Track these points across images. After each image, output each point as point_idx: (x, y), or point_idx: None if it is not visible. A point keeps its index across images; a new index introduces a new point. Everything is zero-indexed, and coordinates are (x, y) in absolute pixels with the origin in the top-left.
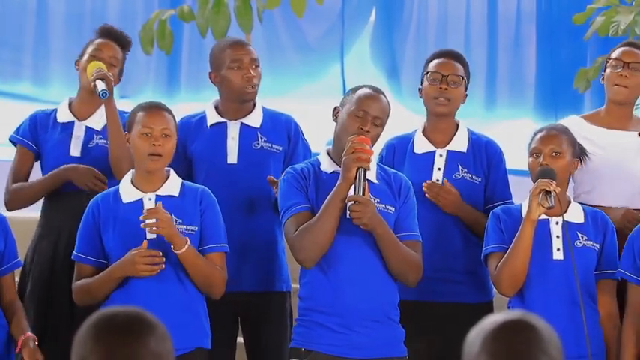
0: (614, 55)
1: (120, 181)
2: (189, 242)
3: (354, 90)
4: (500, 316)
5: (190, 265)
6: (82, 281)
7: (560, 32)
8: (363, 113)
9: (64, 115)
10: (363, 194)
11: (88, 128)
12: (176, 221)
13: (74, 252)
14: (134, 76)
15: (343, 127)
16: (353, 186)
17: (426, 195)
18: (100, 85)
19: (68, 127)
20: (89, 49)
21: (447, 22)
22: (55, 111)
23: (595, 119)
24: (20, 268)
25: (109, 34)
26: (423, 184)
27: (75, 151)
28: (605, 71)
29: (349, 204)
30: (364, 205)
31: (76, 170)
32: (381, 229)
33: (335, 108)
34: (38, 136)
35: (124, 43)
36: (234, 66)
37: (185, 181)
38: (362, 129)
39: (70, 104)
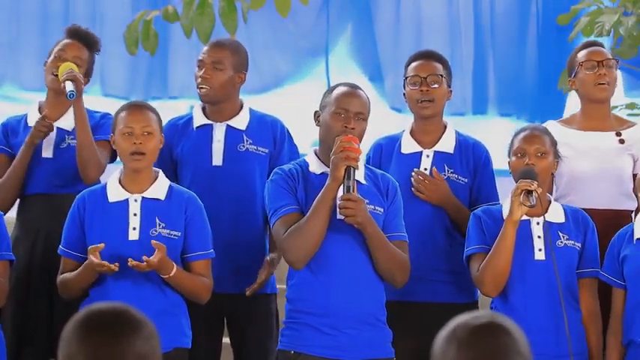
0: (582, 58)
1: (88, 185)
2: (175, 268)
3: (331, 90)
4: (469, 320)
5: (177, 284)
6: (64, 275)
7: (545, 32)
8: (345, 111)
9: (34, 119)
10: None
11: (59, 129)
12: (159, 225)
13: (60, 246)
14: (119, 76)
15: (327, 129)
16: (342, 185)
17: (413, 185)
18: (69, 87)
19: None
20: (55, 50)
21: (431, 21)
22: (25, 116)
23: (571, 123)
24: None
25: (75, 34)
26: (412, 173)
27: (47, 152)
28: (575, 77)
29: (339, 203)
30: (357, 203)
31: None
32: (372, 228)
33: (315, 112)
34: (10, 142)
35: (90, 43)
36: (197, 65)
37: (174, 184)
38: (346, 127)
39: (39, 107)
